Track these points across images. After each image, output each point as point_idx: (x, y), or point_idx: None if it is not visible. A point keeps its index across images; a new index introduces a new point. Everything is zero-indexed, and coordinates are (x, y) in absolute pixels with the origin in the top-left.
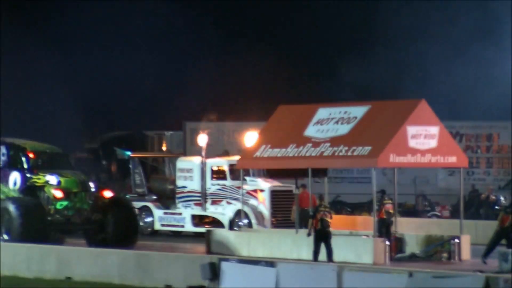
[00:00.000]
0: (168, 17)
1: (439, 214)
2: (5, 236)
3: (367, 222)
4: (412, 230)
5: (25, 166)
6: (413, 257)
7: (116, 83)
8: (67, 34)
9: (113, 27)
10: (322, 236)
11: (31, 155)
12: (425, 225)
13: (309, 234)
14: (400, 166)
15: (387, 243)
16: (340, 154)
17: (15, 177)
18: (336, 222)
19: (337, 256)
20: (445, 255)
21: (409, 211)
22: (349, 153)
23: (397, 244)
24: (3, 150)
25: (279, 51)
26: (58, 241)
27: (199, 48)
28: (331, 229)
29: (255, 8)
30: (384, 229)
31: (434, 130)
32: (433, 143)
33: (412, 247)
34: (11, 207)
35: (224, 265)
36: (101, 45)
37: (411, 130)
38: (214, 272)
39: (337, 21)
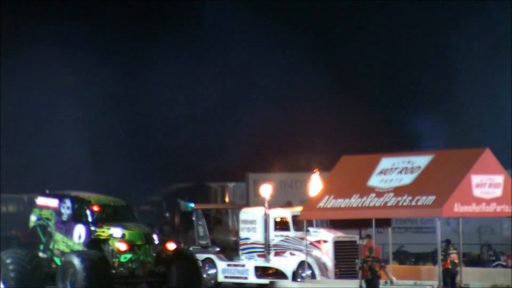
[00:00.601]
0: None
1: (504, 263)
2: None
3: (431, 272)
4: (477, 280)
5: (90, 219)
6: None
7: (178, 134)
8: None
9: (170, 74)
10: (371, 286)
11: (95, 208)
12: (491, 275)
13: (360, 286)
14: (465, 215)
15: None
16: (404, 203)
17: (79, 231)
18: (400, 272)
19: None
20: None
21: (474, 261)
22: (413, 203)
23: None
24: (68, 203)
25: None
26: None
27: (263, 97)
28: (382, 280)
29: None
30: (449, 279)
31: (499, 178)
32: (498, 192)
33: None
34: (76, 261)
35: None
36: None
37: (475, 179)
38: None
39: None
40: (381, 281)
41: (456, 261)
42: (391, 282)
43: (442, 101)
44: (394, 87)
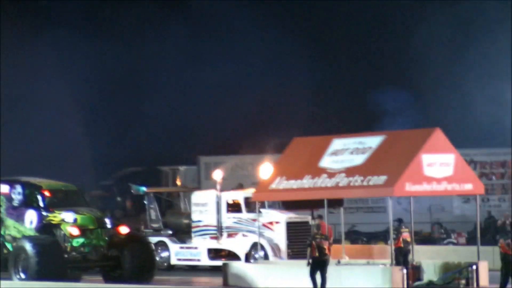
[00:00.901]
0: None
1: (455, 241)
2: (22, 275)
3: (383, 251)
4: (429, 258)
5: (41, 204)
6: (431, 285)
7: (129, 118)
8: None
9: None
10: (319, 264)
11: (46, 193)
12: (442, 252)
13: (308, 264)
14: (416, 194)
15: (405, 271)
16: (356, 184)
17: (31, 216)
18: (353, 251)
19: (355, 285)
20: (463, 282)
21: (425, 239)
22: (365, 183)
23: (415, 272)
24: (19, 189)
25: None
26: (75, 278)
27: (212, 82)
28: (329, 257)
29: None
30: (401, 257)
31: (450, 158)
32: (448, 171)
33: (429, 275)
34: (28, 246)
35: None
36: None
37: (426, 158)
38: None
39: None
40: (333, 260)
41: (408, 239)
42: (339, 262)
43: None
44: (353, 65)
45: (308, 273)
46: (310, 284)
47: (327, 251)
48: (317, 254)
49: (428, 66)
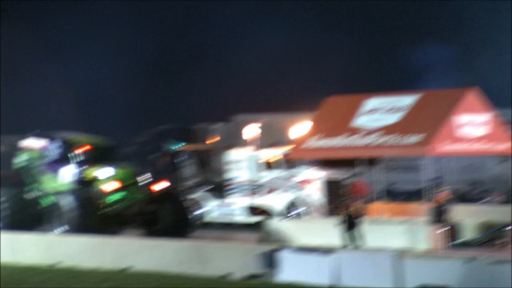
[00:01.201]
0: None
1: (492, 201)
2: (59, 229)
3: (421, 209)
4: (466, 217)
5: (77, 160)
6: (467, 244)
7: (166, 75)
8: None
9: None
10: (350, 223)
11: (83, 149)
12: (479, 212)
13: (339, 223)
14: (452, 154)
15: (442, 230)
16: (391, 143)
17: (67, 171)
18: (390, 210)
19: (393, 244)
20: (500, 241)
21: (462, 199)
22: (400, 142)
23: (452, 231)
24: (56, 144)
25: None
26: (114, 232)
27: (252, 38)
28: (360, 216)
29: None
30: (438, 216)
31: (486, 117)
32: (484, 131)
33: (466, 234)
34: (65, 201)
35: (281, 254)
36: (152, 37)
37: (462, 118)
38: (271, 262)
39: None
40: (370, 219)
41: (445, 198)
42: (376, 220)
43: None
44: (389, 23)
45: (340, 231)
46: (343, 242)
47: (357, 210)
48: (347, 213)
49: (471, 23)
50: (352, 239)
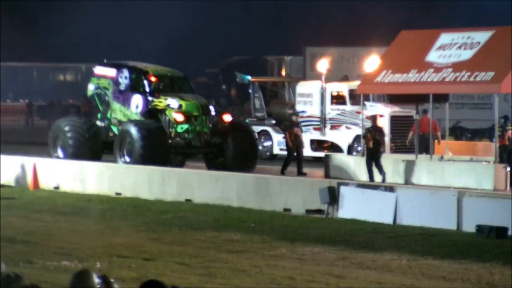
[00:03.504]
0: None
1: None
2: (127, 158)
3: (488, 148)
4: None
5: (147, 89)
6: None
7: (236, 7)
8: None
9: None
10: (374, 155)
11: (152, 79)
12: None
13: (363, 154)
14: None
15: (509, 169)
16: (463, 79)
17: (137, 100)
18: (457, 148)
19: (457, 182)
20: None
21: None
22: (472, 79)
23: None
24: (126, 73)
25: None
26: (178, 164)
27: None
28: (383, 149)
29: None
30: (505, 155)
31: None
32: None
33: None
34: (133, 130)
35: (343, 190)
36: None
37: None
38: (333, 197)
39: None
40: (436, 156)
41: None
42: (442, 157)
43: None
44: None
45: (365, 164)
46: (367, 174)
47: (381, 143)
48: (371, 145)
49: None
50: (379, 169)
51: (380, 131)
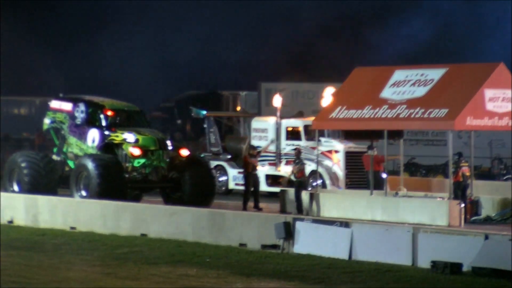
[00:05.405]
0: None
1: None
2: (84, 193)
3: (442, 184)
4: (487, 193)
5: (103, 123)
6: (488, 220)
7: (192, 43)
8: None
9: None
10: (303, 186)
11: (109, 113)
12: (501, 188)
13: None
14: (477, 129)
15: (463, 205)
16: (417, 116)
17: (93, 135)
18: (411, 184)
19: (412, 218)
20: None
21: (484, 174)
22: (426, 115)
23: (473, 207)
24: (82, 107)
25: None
26: (135, 198)
27: (276, 8)
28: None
29: None
30: (459, 192)
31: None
32: (510, 106)
33: (487, 210)
34: (90, 164)
35: (299, 225)
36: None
37: (488, 93)
38: (288, 232)
39: None
40: (390, 192)
41: (467, 174)
42: (396, 193)
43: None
44: None
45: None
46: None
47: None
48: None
49: None
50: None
51: (302, 163)
